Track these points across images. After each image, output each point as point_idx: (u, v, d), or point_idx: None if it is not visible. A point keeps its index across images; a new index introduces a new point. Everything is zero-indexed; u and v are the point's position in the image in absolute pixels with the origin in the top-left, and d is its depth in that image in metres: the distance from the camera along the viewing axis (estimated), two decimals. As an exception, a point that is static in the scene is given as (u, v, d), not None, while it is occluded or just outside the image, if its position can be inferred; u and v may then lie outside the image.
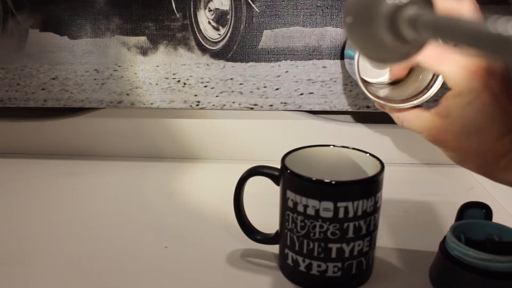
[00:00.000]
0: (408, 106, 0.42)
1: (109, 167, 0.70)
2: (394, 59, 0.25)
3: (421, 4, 0.21)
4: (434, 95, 0.43)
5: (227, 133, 0.71)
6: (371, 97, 0.44)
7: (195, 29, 0.65)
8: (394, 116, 0.43)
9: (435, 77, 0.43)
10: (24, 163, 0.72)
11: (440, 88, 0.42)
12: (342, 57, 0.64)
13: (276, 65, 0.66)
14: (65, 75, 0.69)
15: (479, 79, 0.34)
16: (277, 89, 0.67)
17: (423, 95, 0.43)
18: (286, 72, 0.66)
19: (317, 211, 0.38)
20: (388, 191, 0.45)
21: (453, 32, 0.18)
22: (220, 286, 0.42)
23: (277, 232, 0.44)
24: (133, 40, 0.67)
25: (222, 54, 0.66)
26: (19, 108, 0.72)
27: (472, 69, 0.34)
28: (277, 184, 0.42)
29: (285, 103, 0.67)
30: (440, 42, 0.35)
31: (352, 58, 0.48)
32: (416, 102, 0.42)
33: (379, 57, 0.25)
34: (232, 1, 0.64)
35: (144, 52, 0.67)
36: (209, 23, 0.65)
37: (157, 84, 0.68)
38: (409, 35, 0.22)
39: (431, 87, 0.43)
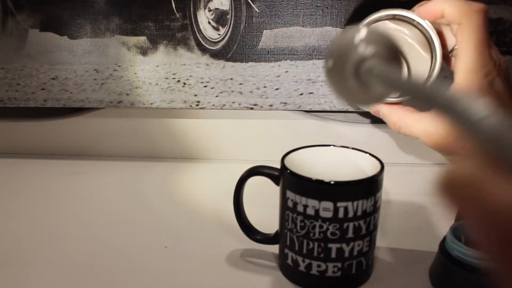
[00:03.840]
0: (399, 101, 0.42)
1: (109, 167, 0.70)
2: (362, 103, 0.31)
3: (382, 58, 0.26)
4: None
5: (227, 133, 0.71)
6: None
7: (195, 29, 0.65)
8: (391, 122, 0.43)
9: (429, 74, 0.43)
10: (24, 163, 0.72)
11: None
12: None
13: (276, 65, 0.66)
14: (65, 75, 0.69)
15: (484, 78, 0.34)
16: (277, 89, 0.67)
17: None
18: (286, 72, 0.66)
19: (316, 211, 0.38)
20: (388, 191, 0.45)
21: (392, 84, 0.24)
22: (220, 286, 0.42)
23: (277, 232, 0.44)
24: (133, 40, 0.67)
25: (222, 54, 0.66)
26: (19, 108, 0.72)
27: (477, 69, 0.34)
28: (277, 184, 0.42)
29: (285, 103, 0.67)
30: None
31: None
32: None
33: (350, 100, 0.29)
34: (232, 1, 0.64)
35: (144, 52, 0.67)
36: (209, 23, 0.65)
37: (157, 84, 0.68)
38: (369, 83, 0.26)
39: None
